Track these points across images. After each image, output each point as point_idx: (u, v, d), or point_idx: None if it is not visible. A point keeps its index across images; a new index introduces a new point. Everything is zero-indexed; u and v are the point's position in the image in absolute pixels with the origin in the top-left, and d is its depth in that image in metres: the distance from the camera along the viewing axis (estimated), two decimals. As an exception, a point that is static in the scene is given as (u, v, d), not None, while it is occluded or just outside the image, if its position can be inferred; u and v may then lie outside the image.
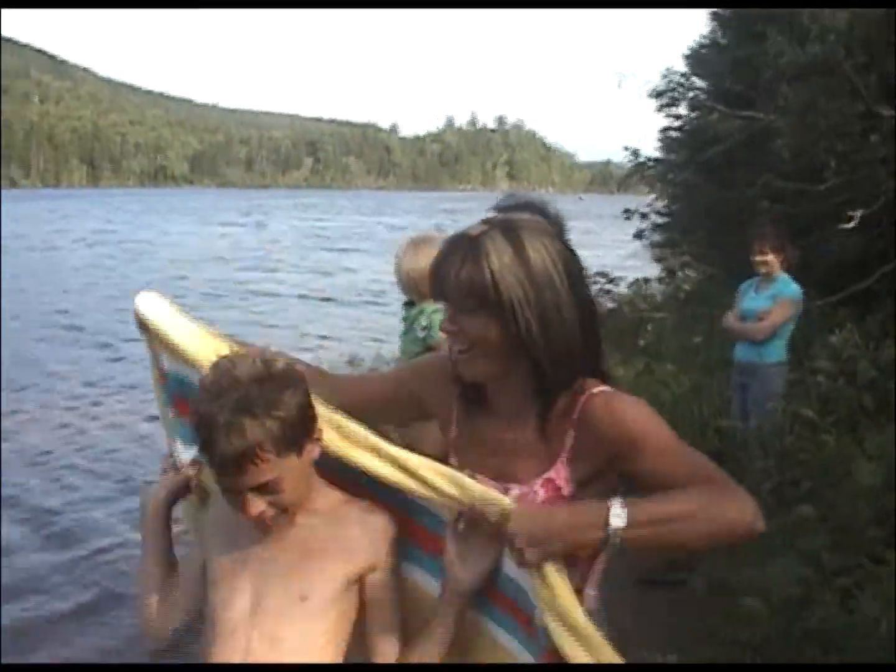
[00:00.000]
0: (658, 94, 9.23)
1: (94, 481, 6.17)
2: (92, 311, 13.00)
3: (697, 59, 10.54)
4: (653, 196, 12.06)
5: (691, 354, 7.69)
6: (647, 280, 11.17)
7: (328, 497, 1.83)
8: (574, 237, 1.74)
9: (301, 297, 14.96)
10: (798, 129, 6.51)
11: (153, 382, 2.00)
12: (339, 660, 1.77)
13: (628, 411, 1.69)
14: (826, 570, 3.67)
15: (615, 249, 17.89)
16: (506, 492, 1.71)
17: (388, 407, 2.01)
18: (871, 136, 6.39)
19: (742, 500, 1.57)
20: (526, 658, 1.67)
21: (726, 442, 5.45)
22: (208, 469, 1.78)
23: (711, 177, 9.11)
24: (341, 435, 1.81)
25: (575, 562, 1.67)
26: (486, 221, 1.69)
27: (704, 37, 10.86)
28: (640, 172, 11.13)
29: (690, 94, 9.81)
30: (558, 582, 1.56)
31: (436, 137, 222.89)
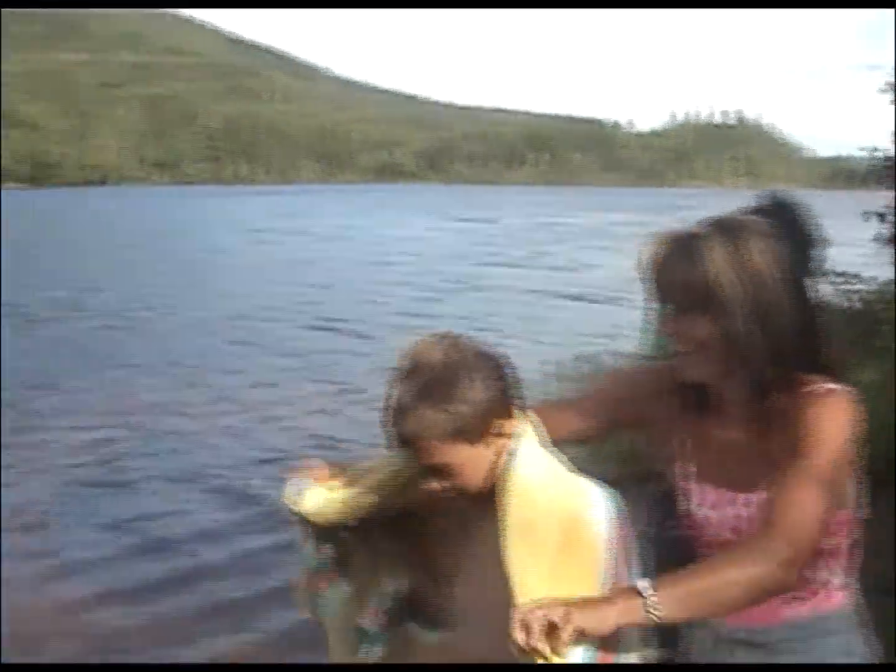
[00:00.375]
0: (896, 87, 8.90)
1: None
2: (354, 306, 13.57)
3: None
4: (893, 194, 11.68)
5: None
6: (886, 281, 10.92)
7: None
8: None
9: (537, 292, 14.99)
10: None
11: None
12: None
13: (824, 413, 1.67)
14: None
15: (853, 248, 17.29)
16: (735, 501, 1.74)
17: (601, 426, 1.97)
18: None
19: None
20: None
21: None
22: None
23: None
24: None
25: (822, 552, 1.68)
26: (704, 221, 1.71)
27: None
28: (877, 170, 10.82)
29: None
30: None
31: (664, 132, 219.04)
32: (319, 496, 1.84)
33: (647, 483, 1.98)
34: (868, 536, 1.78)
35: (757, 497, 1.72)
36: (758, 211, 1.75)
